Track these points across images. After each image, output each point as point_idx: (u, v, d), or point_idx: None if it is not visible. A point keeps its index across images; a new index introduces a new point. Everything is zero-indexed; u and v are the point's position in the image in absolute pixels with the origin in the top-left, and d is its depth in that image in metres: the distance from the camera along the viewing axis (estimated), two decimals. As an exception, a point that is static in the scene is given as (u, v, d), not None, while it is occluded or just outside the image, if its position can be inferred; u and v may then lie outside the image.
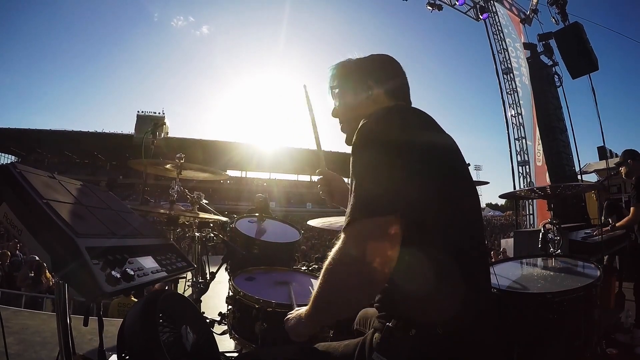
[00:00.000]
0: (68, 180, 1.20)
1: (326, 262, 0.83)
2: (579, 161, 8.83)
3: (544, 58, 9.70)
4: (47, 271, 5.78)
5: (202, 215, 2.01)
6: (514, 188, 10.13)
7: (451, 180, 0.87)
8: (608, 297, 2.87)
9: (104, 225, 1.06)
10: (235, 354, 1.70)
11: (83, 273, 0.81)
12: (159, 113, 35.61)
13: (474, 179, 1.12)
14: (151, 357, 0.96)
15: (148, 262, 1.06)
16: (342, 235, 0.80)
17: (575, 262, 1.70)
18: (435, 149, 0.88)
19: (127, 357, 1.00)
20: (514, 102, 10.98)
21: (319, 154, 1.36)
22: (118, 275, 0.85)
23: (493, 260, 2.26)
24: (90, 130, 35.16)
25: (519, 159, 10.76)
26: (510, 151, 10.61)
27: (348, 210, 0.81)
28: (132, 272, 0.91)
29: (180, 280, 2.04)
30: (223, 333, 1.74)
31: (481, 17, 11.04)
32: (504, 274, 1.60)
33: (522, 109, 10.64)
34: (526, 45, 10.74)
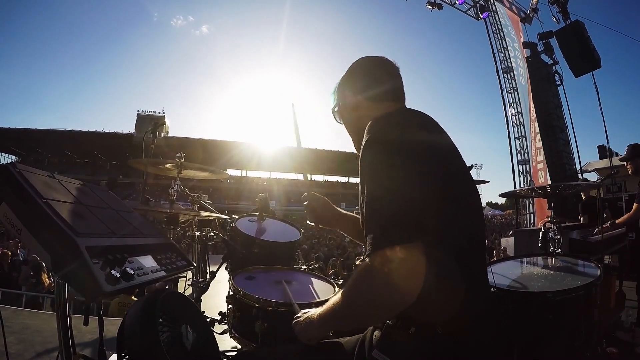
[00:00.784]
0: (68, 179, 1.20)
1: (354, 281, 0.83)
2: (579, 160, 8.83)
3: (544, 57, 9.69)
4: (45, 272, 5.80)
5: (203, 213, 2.01)
6: (514, 187, 10.14)
7: (451, 181, 0.87)
8: (608, 296, 2.87)
9: (103, 225, 1.06)
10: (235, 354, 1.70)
11: (83, 272, 0.81)
12: (159, 112, 35.55)
13: (474, 178, 1.12)
14: (151, 356, 0.96)
15: (148, 262, 1.06)
16: (370, 260, 0.78)
17: (575, 261, 1.69)
18: (434, 149, 0.88)
19: (127, 357, 1.00)
20: (514, 100, 10.98)
21: (306, 178, 1.48)
22: (118, 275, 0.85)
23: (494, 259, 2.26)
24: (90, 130, 35.16)
25: (519, 157, 10.77)
26: (511, 150, 10.63)
27: (370, 228, 0.79)
28: (132, 272, 0.91)
29: (180, 279, 2.05)
30: (223, 332, 1.74)
31: (481, 16, 11.03)
32: (504, 273, 1.59)
33: (522, 107, 10.65)
34: (526, 45, 10.73)
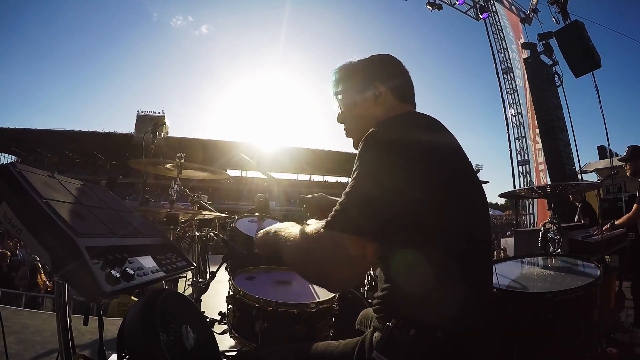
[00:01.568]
0: (68, 179, 1.19)
1: (305, 239, 0.88)
2: (579, 160, 8.83)
3: (544, 58, 9.69)
4: (41, 273, 5.80)
5: (203, 212, 2.01)
6: (514, 187, 10.13)
7: (453, 182, 0.86)
8: (608, 296, 2.87)
9: (103, 225, 1.06)
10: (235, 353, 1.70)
11: (83, 273, 0.81)
12: (159, 113, 35.48)
13: (475, 178, 1.11)
14: (151, 356, 0.96)
15: (148, 262, 1.06)
16: (323, 230, 0.81)
17: (575, 262, 1.70)
18: (436, 150, 0.87)
19: (127, 357, 1.00)
20: (514, 101, 11.00)
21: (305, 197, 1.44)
22: (118, 275, 0.85)
23: (493, 259, 2.26)
24: (90, 130, 35.16)
25: (519, 158, 10.77)
26: (510, 150, 10.63)
27: (338, 206, 0.81)
28: (132, 272, 0.91)
29: (180, 279, 2.05)
30: (223, 332, 1.74)
31: (481, 17, 11.03)
32: (504, 273, 1.60)
33: (522, 108, 10.66)
34: (526, 45, 10.72)
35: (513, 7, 11.70)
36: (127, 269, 0.90)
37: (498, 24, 11.22)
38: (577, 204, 4.96)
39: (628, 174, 3.18)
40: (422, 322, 0.81)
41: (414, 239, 0.80)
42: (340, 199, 0.83)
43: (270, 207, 6.34)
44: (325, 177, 44.86)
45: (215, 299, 2.21)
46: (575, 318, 1.28)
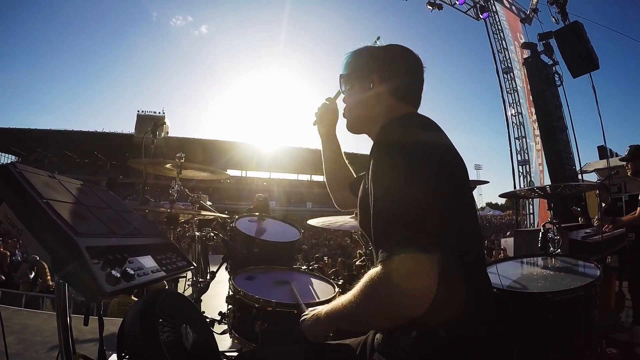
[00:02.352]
0: (68, 179, 1.19)
1: (366, 286, 0.80)
2: (579, 160, 8.82)
3: (544, 57, 9.69)
4: (47, 274, 5.78)
5: (203, 212, 2.01)
6: (514, 187, 10.13)
7: (454, 183, 0.87)
8: (608, 296, 2.87)
9: (104, 225, 1.06)
10: (236, 354, 1.70)
11: (83, 273, 0.81)
12: (159, 112, 35.55)
13: (474, 178, 1.11)
14: (151, 356, 0.96)
15: (148, 262, 1.06)
16: (384, 269, 0.76)
17: (575, 262, 1.69)
18: (435, 150, 0.87)
19: (127, 357, 1.00)
20: (514, 101, 10.99)
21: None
22: (118, 275, 0.85)
23: (493, 259, 2.26)
24: (90, 130, 35.18)
25: (519, 158, 10.77)
26: (511, 150, 10.62)
27: (378, 239, 0.78)
28: (132, 272, 0.91)
29: (180, 279, 2.04)
30: (223, 332, 1.74)
31: (481, 17, 11.03)
32: (504, 274, 1.59)
33: (522, 108, 10.66)
34: (526, 45, 10.72)
35: (513, 7, 11.70)
36: (127, 269, 0.90)
37: (498, 23, 11.21)
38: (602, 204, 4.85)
39: (629, 174, 3.18)
40: (423, 323, 0.81)
41: (415, 239, 0.80)
42: (379, 220, 0.80)
43: (270, 207, 6.33)
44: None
45: (215, 299, 2.21)
46: (575, 318, 1.28)
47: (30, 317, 3.38)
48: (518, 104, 10.86)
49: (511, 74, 11.01)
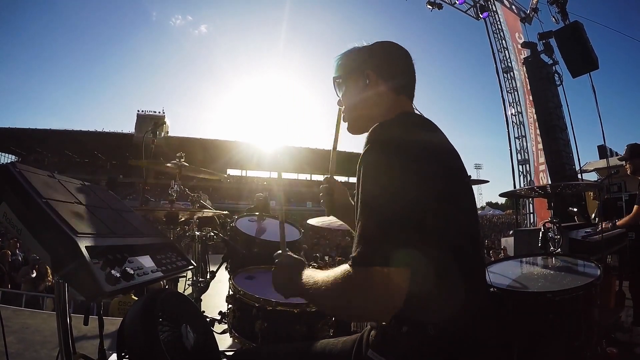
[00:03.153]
0: (68, 179, 1.20)
1: (336, 283, 0.81)
2: (579, 160, 8.81)
3: (544, 57, 9.69)
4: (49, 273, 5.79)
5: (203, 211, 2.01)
6: (514, 187, 10.13)
7: (450, 181, 0.87)
8: (608, 296, 2.87)
9: (103, 225, 1.06)
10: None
11: (83, 272, 0.81)
12: (159, 112, 35.52)
13: (474, 177, 1.12)
14: (151, 356, 0.96)
15: (148, 261, 1.06)
16: (354, 272, 0.77)
17: (575, 261, 1.69)
18: (434, 150, 0.88)
19: (127, 356, 1.00)
20: (514, 100, 10.99)
21: (332, 158, 1.37)
22: (118, 275, 0.85)
23: (493, 259, 2.26)
24: (90, 130, 35.15)
25: (519, 157, 10.77)
26: (511, 150, 10.63)
27: (360, 237, 0.78)
28: (132, 271, 0.91)
29: (180, 279, 2.05)
30: (223, 332, 1.74)
31: (481, 16, 11.03)
32: (503, 273, 1.59)
33: (522, 107, 10.66)
34: (526, 44, 10.72)
35: (513, 6, 11.69)
36: (127, 268, 0.90)
37: (498, 23, 11.21)
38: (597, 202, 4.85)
39: (628, 173, 3.18)
40: (415, 319, 0.81)
41: (412, 238, 0.80)
42: (359, 220, 0.80)
43: (271, 206, 6.32)
44: (325, 176, 44.82)
45: (215, 299, 2.21)
46: (575, 318, 1.28)
47: (31, 317, 3.38)
48: (518, 103, 10.86)
49: (511, 73, 11.01)
